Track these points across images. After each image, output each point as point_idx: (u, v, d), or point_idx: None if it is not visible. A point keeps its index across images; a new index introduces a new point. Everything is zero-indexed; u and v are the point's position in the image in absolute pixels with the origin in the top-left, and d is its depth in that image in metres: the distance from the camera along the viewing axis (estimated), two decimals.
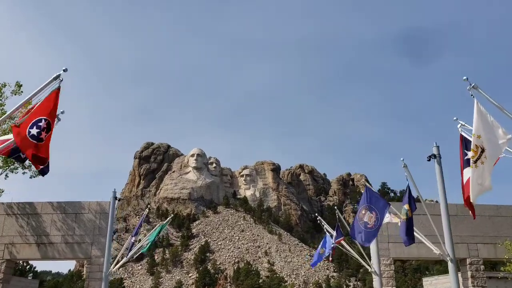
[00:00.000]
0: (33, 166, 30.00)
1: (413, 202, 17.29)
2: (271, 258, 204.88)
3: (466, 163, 13.04)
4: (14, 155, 12.37)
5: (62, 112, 12.95)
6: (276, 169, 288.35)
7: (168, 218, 35.09)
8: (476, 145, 12.22)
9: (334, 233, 28.37)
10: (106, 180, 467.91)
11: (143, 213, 31.41)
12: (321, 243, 32.30)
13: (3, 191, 33.55)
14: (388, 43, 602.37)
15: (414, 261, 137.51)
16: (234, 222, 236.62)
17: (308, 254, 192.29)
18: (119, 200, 28.32)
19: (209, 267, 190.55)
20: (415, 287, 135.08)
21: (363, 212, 18.62)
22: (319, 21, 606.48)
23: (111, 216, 27.67)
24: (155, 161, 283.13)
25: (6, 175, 32.74)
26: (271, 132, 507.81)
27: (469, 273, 29.77)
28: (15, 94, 31.45)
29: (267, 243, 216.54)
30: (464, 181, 12.93)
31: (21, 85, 32.07)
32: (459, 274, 28.99)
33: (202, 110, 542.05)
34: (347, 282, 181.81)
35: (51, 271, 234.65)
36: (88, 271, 29.67)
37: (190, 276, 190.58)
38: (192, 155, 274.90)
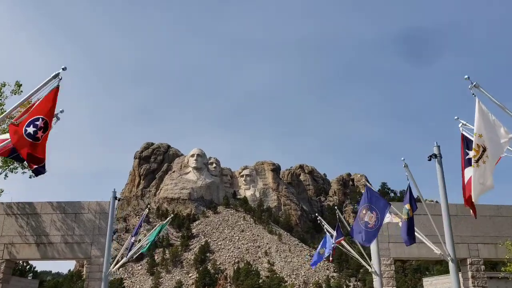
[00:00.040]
0: None
1: (414, 202, 17.23)
2: (271, 258, 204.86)
3: (467, 162, 12.98)
4: (13, 154, 12.25)
5: (62, 111, 12.78)
6: (276, 169, 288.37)
7: (168, 218, 34.99)
8: (477, 144, 12.16)
9: (334, 233, 28.27)
10: (106, 180, 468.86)
11: (143, 213, 31.32)
12: (321, 243, 32.19)
13: (2, 191, 33.57)
14: (388, 43, 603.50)
15: (414, 261, 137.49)
16: (234, 222, 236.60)
17: (308, 254, 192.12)
18: (119, 200, 28.25)
19: (209, 267, 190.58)
20: (415, 287, 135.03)
21: (364, 212, 18.54)
22: (319, 21, 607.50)
23: (111, 216, 27.61)
24: (155, 161, 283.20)
25: (5, 175, 32.74)
26: (271, 132, 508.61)
27: (469, 273, 29.70)
28: (15, 94, 31.54)
29: (267, 243, 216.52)
30: (466, 181, 12.88)
31: (21, 85, 32.16)
32: (460, 274, 28.90)
33: (202, 110, 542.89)
34: (347, 282, 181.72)
35: (51, 271, 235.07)
36: (88, 271, 29.57)
37: (190, 276, 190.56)
38: (192, 155, 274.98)
